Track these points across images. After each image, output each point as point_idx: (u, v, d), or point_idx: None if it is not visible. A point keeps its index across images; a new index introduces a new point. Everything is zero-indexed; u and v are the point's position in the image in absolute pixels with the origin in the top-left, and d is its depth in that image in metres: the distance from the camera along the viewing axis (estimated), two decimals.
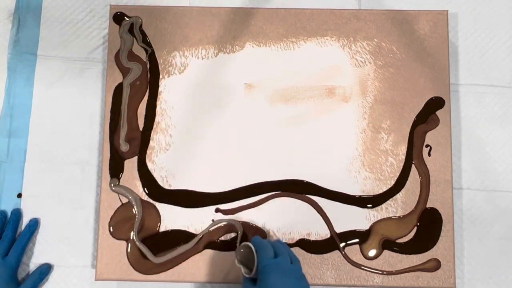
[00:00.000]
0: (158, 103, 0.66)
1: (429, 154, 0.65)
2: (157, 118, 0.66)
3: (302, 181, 0.65)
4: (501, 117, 0.68)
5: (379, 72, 0.67)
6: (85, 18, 0.70)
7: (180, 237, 0.64)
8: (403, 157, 0.65)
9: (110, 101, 0.66)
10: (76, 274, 0.65)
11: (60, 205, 0.66)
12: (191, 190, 0.65)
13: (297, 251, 0.63)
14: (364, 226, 0.64)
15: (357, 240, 0.64)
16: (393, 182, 0.65)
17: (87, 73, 0.69)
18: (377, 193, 0.65)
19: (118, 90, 0.66)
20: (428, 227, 0.64)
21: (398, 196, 0.64)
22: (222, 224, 0.64)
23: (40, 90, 0.68)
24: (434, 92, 0.66)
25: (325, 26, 0.68)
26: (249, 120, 0.66)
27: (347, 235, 0.64)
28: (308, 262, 0.63)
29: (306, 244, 0.63)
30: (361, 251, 0.63)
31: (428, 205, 0.64)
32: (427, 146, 0.65)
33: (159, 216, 0.64)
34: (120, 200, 0.64)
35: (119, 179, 0.65)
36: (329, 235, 0.64)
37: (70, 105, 0.68)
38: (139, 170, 0.65)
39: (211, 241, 0.64)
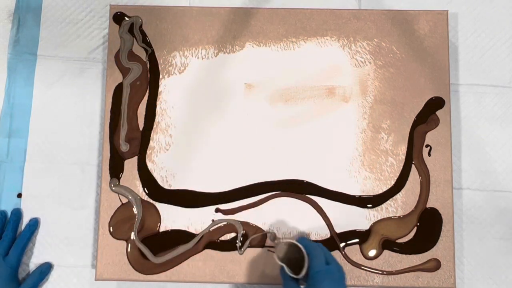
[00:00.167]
0: (158, 103, 0.66)
1: (429, 154, 0.65)
2: (157, 118, 0.66)
3: (302, 181, 0.65)
4: (501, 117, 0.68)
5: (379, 72, 0.67)
6: (85, 18, 0.70)
7: (180, 237, 0.64)
8: (403, 157, 0.65)
9: (110, 101, 0.66)
10: (76, 274, 0.65)
11: (60, 205, 0.66)
12: (191, 190, 0.65)
13: None
14: (364, 226, 0.64)
15: (357, 240, 0.64)
16: (393, 182, 0.65)
17: (87, 73, 0.69)
18: (377, 193, 0.65)
19: (118, 90, 0.66)
20: (428, 227, 0.64)
21: (398, 196, 0.64)
22: (222, 224, 0.64)
23: (40, 90, 0.68)
24: (434, 92, 0.66)
25: (325, 26, 0.68)
26: (249, 120, 0.66)
27: (347, 235, 0.64)
28: None
29: None
30: (361, 251, 0.63)
31: (428, 205, 0.64)
32: (427, 146, 0.65)
33: (159, 216, 0.64)
34: (120, 200, 0.64)
35: (119, 179, 0.65)
36: (329, 235, 0.64)
37: (70, 105, 0.68)
38: (139, 170, 0.65)
39: (211, 241, 0.64)
